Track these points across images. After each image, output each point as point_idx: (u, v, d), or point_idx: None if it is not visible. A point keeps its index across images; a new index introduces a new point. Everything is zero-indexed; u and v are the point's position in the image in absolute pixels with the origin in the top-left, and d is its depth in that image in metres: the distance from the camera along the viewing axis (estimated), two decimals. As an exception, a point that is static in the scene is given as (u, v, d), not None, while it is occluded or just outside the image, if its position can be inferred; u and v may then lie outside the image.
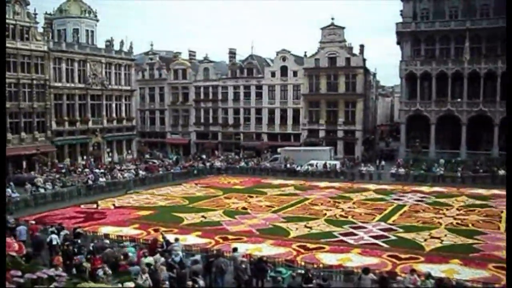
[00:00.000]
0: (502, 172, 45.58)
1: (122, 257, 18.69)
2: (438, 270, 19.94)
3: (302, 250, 23.48)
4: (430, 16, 61.79)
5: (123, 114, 65.88)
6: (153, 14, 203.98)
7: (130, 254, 19.26)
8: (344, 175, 49.51)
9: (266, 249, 23.73)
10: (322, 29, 65.44)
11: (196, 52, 79.78)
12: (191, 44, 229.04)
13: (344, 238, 25.94)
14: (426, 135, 59.90)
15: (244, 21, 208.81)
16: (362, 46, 67.47)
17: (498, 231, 27.43)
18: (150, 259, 18.18)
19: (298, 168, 51.93)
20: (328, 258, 22.00)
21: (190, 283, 15.81)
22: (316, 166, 51.38)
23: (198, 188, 44.46)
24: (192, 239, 25.65)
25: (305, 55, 66.88)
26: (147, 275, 15.94)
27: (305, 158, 53.35)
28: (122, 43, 65.11)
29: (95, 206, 35.51)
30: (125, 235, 25.55)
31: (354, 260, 21.87)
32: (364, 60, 67.47)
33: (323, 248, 23.93)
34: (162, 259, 18.47)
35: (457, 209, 33.48)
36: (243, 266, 18.45)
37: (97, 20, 64.30)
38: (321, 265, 20.33)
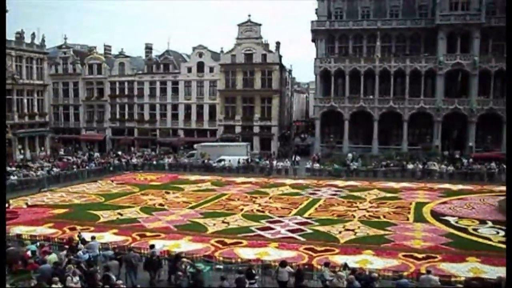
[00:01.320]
0: (410, 165, 47.66)
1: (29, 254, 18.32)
2: (352, 261, 20.55)
3: (220, 246, 23.57)
4: (344, 15, 63.71)
5: (36, 110, 63.35)
6: (68, 6, 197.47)
7: (29, 253, 18.85)
8: (261, 170, 50.03)
9: (185, 245, 23.65)
10: (239, 25, 65.75)
11: (111, 47, 78.19)
12: (107, 39, 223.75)
13: (262, 233, 26.26)
14: (340, 131, 61.67)
15: (161, 16, 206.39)
16: (278, 43, 68.55)
17: (408, 222, 28.72)
18: (53, 256, 17.86)
19: (215, 164, 51.96)
20: (246, 253, 22.21)
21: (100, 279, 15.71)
22: (229, 161, 51.53)
23: (114, 185, 43.55)
24: (108, 236, 25.19)
25: (222, 51, 66.96)
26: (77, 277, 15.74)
27: (222, 154, 53.46)
28: (33, 35, 62.42)
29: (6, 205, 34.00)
30: (39, 235, 24.66)
31: (272, 253, 22.21)
32: (280, 56, 68.48)
33: (241, 243, 24.13)
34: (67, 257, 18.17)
35: (370, 202, 34.65)
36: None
37: (6, 11, 61.26)
38: (239, 260, 20.49)
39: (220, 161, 52.00)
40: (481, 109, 58.05)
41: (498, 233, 25.97)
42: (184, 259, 18.81)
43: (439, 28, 58.41)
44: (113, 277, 16.14)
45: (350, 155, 53.87)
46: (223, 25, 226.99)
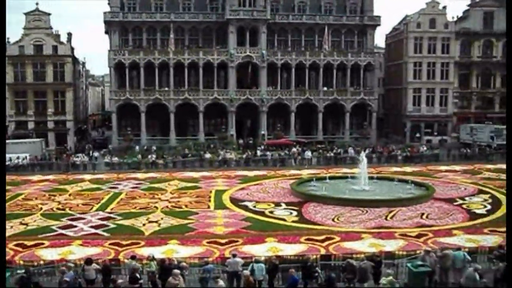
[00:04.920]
0: (208, 155, 49.08)
1: None
2: (158, 252, 20.72)
3: (20, 249, 22.06)
4: (137, 7, 63.12)
5: None
6: None
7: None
8: (58, 167, 47.61)
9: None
10: (26, 14, 61.60)
11: None
12: None
13: (64, 231, 25.12)
14: (137, 123, 61.35)
15: None
16: (70, 34, 65.56)
17: (208, 210, 29.60)
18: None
19: (8, 163, 48.13)
20: (49, 254, 21.09)
21: None
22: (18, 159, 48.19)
23: None
24: None
25: (8, 42, 62.02)
26: None
27: (15, 152, 49.72)
28: None
29: None
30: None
31: (76, 252, 21.40)
32: (72, 48, 65.75)
33: (43, 244, 22.81)
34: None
35: (171, 192, 35.01)
36: None
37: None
38: (41, 262, 19.45)
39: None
40: (270, 99, 62.04)
41: (291, 213, 28.11)
42: None
43: (229, 22, 60.93)
44: None
45: (137, 148, 53.98)
46: (8, 12, 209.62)
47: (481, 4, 69.30)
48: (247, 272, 16.26)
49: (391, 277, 16.13)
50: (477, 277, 16.14)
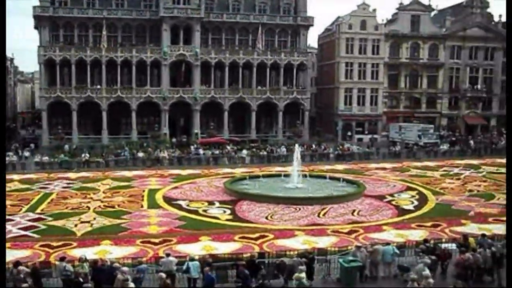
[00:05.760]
0: (141, 154, 48.71)
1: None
2: (91, 252, 20.57)
3: None
4: (68, 2, 61.56)
5: None
6: None
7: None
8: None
9: None
10: None
11: None
12: None
13: (-10, 234, 24.55)
14: (69, 122, 60.03)
15: None
16: (-5, 29, 63.26)
17: (142, 209, 29.50)
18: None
19: None
20: (-25, 257, 20.60)
21: None
22: None
23: None
24: None
25: None
26: None
27: None
28: None
29: None
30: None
31: (5, 254, 21.00)
32: (-1, 43, 63.54)
33: (-32, 247, 22.25)
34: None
35: (103, 192, 34.59)
36: None
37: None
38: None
39: None
40: (204, 98, 62.16)
41: (225, 212, 28.47)
42: None
43: (163, 20, 60.55)
44: None
45: (66, 146, 52.88)
46: None
47: (409, 8, 71.92)
48: (162, 275, 16.27)
49: (303, 274, 16.45)
50: (427, 271, 16.76)
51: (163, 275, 16.27)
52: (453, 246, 19.85)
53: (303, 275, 16.40)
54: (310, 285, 17.55)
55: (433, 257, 18.16)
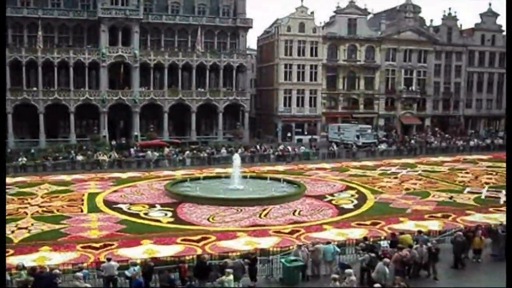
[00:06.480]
0: (80, 157, 47.80)
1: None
2: (29, 259, 20.20)
3: None
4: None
5: None
6: None
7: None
8: None
9: None
10: None
11: None
12: None
13: None
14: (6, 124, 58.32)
15: None
16: None
17: (82, 213, 29.10)
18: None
19: None
20: None
21: None
22: None
23: None
24: None
25: None
26: None
27: None
28: None
29: None
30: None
31: None
32: None
33: None
34: None
35: (42, 197, 33.80)
36: None
37: None
38: None
39: None
40: (143, 100, 61.74)
41: (166, 214, 28.50)
42: None
43: (101, 21, 59.78)
44: None
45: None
46: None
47: (346, 12, 73.69)
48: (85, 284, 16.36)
49: (230, 276, 16.51)
50: (387, 270, 17.44)
51: (87, 285, 16.28)
52: (384, 243, 20.68)
53: (230, 277, 16.48)
54: (254, 285, 18.04)
55: (373, 255, 18.84)
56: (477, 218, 27.80)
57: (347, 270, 17.01)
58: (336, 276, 16.50)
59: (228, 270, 16.79)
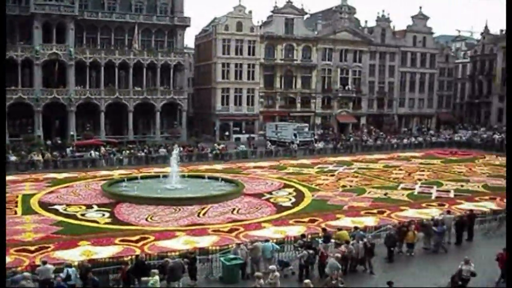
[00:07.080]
0: (13, 157, 46.36)
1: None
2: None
3: None
4: None
5: None
6: None
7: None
8: None
9: None
10: None
11: None
12: None
13: None
14: None
15: None
16: None
17: (15, 216, 28.32)
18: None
19: None
20: None
21: None
22: None
23: None
24: None
25: None
26: None
27: None
28: None
29: None
30: None
31: None
32: None
33: None
34: None
35: (-28, 199, 32.97)
36: None
37: None
38: None
39: None
40: (79, 99, 60.64)
41: (104, 215, 28.23)
42: None
43: (34, 17, 58.25)
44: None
45: None
46: None
47: (283, 11, 74.76)
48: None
49: (156, 277, 16.52)
50: (339, 265, 17.94)
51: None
52: (319, 240, 21.32)
53: (156, 278, 16.46)
54: (194, 285, 18.27)
55: (311, 251, 19.39)
56: (411, 213, 28.97)
57: (271, 267, 17.54)
58: (260, 274, 16.95)
59: (153, 270, 16.84)
